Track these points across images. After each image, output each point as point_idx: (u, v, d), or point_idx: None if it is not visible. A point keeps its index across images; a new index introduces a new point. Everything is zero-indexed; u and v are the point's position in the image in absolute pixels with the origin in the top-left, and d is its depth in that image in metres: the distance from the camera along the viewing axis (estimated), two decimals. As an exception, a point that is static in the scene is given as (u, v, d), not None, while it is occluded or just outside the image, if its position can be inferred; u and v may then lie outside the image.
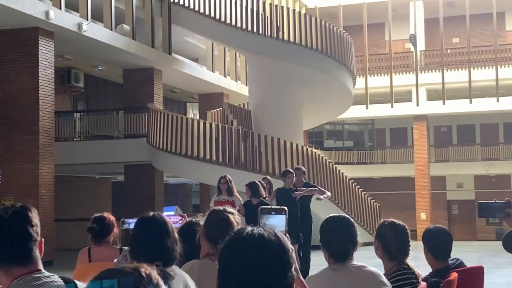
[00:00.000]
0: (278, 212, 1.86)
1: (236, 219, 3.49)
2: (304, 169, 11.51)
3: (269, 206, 1.94)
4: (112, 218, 5.25)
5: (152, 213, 3.38)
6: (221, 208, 3.60)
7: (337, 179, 18.74)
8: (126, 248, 4.50)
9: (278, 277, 1.56)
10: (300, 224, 10.12)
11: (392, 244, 3.65)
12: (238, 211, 9.05)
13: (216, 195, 10.41)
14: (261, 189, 9.74)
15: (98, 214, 5.30)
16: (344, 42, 19.93)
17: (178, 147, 17.44)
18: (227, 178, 10.28)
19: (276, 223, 1.84)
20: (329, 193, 11.25)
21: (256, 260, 1.54)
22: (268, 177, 11.04)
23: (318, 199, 11.16)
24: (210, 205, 9.93)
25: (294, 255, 1.64)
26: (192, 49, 24.35)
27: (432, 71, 29.25)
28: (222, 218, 3.43)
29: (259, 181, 10.01)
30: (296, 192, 10.30)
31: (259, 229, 1.61)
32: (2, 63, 15.37)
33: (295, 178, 10.49)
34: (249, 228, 1.62)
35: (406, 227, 3.78)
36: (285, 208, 1.90)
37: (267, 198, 9.86)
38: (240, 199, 10.23)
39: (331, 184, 18.20)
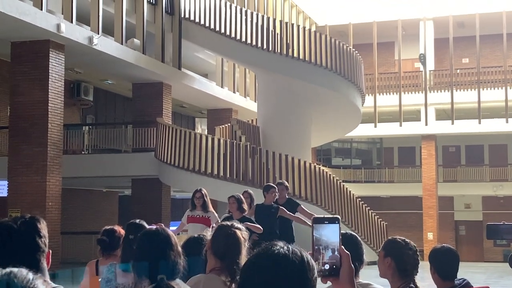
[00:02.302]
0: (331, 221, 1.84)
1: (243, 235, 3.47)
2: (287, 184, 10.63)
3: (322, 216, 1.90)
4: (122, 231, 5.23)
5: (155, 226, 3.37)
6: (228, 223, 3.58)
7: (345, 197, 18.68)
8: (114, 262, 4.48)
9: None
10: None
11: (406, 261, 3.60)
12: (213, 227, 8.85)
13: (190, 210, 9.47)
14: (245, 204, 8.99)
15: (109, 227, 5.27)
16: (353, 60, 19.95)
17: (186, 162, 17.45)
18: (203, 192, 9.44)
19: (330, 235, 1.82)
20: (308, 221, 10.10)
21: (279, 279, 1.53)
22: (249, 191, 10.17)
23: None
24: (182, 220, 9.32)
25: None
26: (202, 65, 24.45)
27: (441, 91, 29.24)
28: (229, 234, 3.42)
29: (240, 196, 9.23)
30: (283, 209, 9.42)
31: (284, 247, 1.60)
32: (13, 75, 15.47)
33: (277, 193, 9.63)
34: (275, 247, 1.61)
35: (414, 245, 3.75)
36: (338, 216, 1.87)
37: (246, 214, 9.05)
38: (216, 215, 9.48)
39: (338, 202, 18.14)
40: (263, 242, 1.68)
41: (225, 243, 3.39)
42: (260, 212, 9.41)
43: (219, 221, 8.79)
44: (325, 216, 1.85)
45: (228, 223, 3.64)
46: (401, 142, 32.94)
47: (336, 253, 1.80)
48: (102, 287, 4.40)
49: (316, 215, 1.87)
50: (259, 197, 10.07)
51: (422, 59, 29.36)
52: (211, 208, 9.45)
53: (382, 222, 20.49)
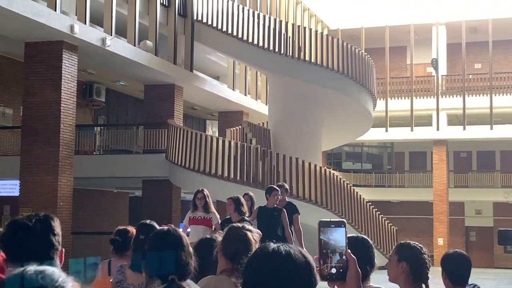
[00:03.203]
0: (338, 224, 1.84)
1: (255, 237, 3.48)
2: (287, 187, 10.44)
3: (328, 219, 1.89)
4: (135, 232, 5.23)
5: (166, 227, 3.39)
6: (239, 225, 3.60)
7: (355, 201, 18.64)
8: (124, 263, 4.50)
9: None
10: None
11: (421, 265, 3.59)
12: (215, 229, 8.55)
13: (191, 211, 9.35)
14: (244, 207, 8.73)
15: (122, 227, 5.28)
16: (365, 64, 19.93)
17: (197, 163, 17.48)
18: (205, 193, 9.28)
19: (337, 238, 1.83)
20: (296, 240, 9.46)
21: (281, 276, 1.54)
22: (250, 193, 9.93)
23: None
24: (184, 222, 9.15)
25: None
26: (214, 67, 24.49)
27: (453, 96, 29.14)
28: (240, 235, 3.43)
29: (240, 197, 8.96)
30: (285, 214, 9.20)
31: (284, 246, 1.61)
32: (27, 75, 15.55)
33: (280, 196, 9.41)
34: (275, 245, 1.62)
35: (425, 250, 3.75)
36: (344, 220, 1.87)
37: (247, 216, 8.76)
38: (218, 216, 9.32)
39: (348, 206, 18.10)
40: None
41: (236, 244, 3.41)
42: (262, 215, 9.22)
43: (219, 223, 8.85)
44: (332, 219, 1.85)
45: (239, 224, 3.66)
46: (412, 147, 32.84)
47: (343, 257, 1.80)
48: None
49: (321, 219, 1.87)
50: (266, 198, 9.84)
51: (434, 64, 29.27)
52: (212, 209, 9.30)
53: (392, 227, 20.42)
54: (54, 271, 1.38)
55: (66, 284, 1.36)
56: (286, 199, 9.86)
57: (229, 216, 8.78)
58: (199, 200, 9.19)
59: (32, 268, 1.38)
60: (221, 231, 3.72)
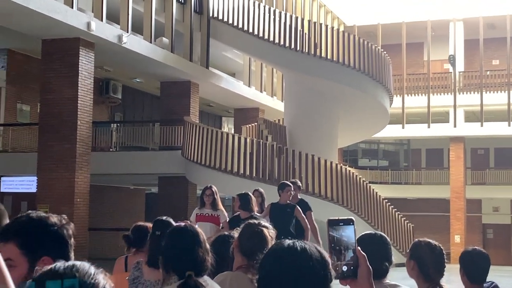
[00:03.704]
0: (346, 222, 1.84)
1: (271, 233, 3.48)
2: (300, 184, 10.25)
3: (337, 217, 1.88)
4: None
5: (183, 223, 3.40)
6: (256, 221, 3.60)
7: (371, 198, 18.58)
8: (141, 260, 4.51)
9: None
10: None
11: (429, 264, 3.59)
12: (222, 228, 8.39)
13: (198, 208, 9.17)
14: (253, 203, 8.44)
15: (139, 224, 5.29)
16: (382, 60, 19.84)
17: (213, 160, 17.50)
18: (213, 190, 9.04)
19: (348, 235, 1.82)
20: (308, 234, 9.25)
21: (297, 272, 1.54)
22: (260, 189, 9.70)
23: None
24: (191, 219, 8.78)
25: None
26: (230, 64, 24.50)
27: (470, 93, 28.94)
28: (257, 232, 3.43)
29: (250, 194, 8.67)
30: (299, 210, 9.01)
31: (300, 242, 1.61)
32: (44, 72, 15.66)
33: (293, 192, 9.19)
34: (290, 241, 1.62)
35: (441, 247, 3.72)
36: (352, 218, 1.86)
37: (256, 213, 8.44)
38: (226, 214, 9.11)
39: (365, 203, 18.05)
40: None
41: (252, 241, 3.41)
42: (275, 211, 8.98)
43: (227, 220, 8.69)
44: (340, 218, 1.84)
45: (256, 221, 3.66)
46: (429, 143, 32.67)
47: (353, 254, 1.80)
48: (129, 285, 4.44)
49: (330, 218, 1.86)
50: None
51: (452, 60, 29.08)
52: (220, 206, 9.10)
53: (408, 224, 20.35)
54: (84, 263, 1.39)
55: (99, 275, 1.37)
56: (298, 196, 9.68)
57: (237, 213, 8.57)
58: (207, 196, 9.01)
59: (61, 264, 1.39)
60: (237, 229, 3.71)
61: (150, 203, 25.27)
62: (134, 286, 4.41)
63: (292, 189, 9.19)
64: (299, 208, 9.19)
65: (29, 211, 2.20)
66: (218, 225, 8.80)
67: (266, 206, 9.29)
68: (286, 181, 9.94)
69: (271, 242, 3.42)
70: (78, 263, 1.40)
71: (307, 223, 9.28)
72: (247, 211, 8.24)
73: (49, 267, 1.41)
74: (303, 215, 9.21)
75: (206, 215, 8.91)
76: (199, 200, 9.22)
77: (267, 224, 3.60)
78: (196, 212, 9.10)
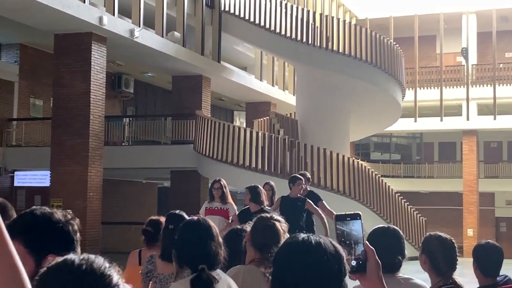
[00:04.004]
0: (353, 217, 1.83)
1: (283, 227, 3.49)
2: (309, 176, 10.10)
3: (344, 213, 1.88)
4: None
5: (196, 217, 3.41)
6: (268, 215, 3.60)
7: (383, 192, 18.55)
8: (154, 253, 4.53)
9: (332, 285, 1.55)
10: None
11: (439, 258, 3.58)
12: (232, 221, 8.31)
13: (208, 202, 9.08)
14: (263, 196, 8.36)
15: (154, 217, 5.28)
16: (394, 53, 19.75)
17: (224, 154, 17.52)
18: (222, 183, 8.95)
19: (356, 230, 1.82)
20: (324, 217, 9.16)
21: (311, 267, 1.54)
22: (271, 183, 9.58)
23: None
24: (200, 213, 8.64)
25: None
26: (241, 58, 24.48)
27: (483, 86, 28.76)
28: (269, 226, 3.44)
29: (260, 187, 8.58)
30: (310, 202, 8.90)
31: (315, 236, 1.61)
32: (56, 67, 15.72)
33: (304, 185, 9.05)
34: (304, 234, 1.62)
35: (453, 241, 3.71)
36: (359, 212, 1.86)
37: (267, 206, 8.39)
38: (235, 207, 9.05)
39: (377, 196, 18.02)
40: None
41: (264, 234, 3.41)
42: (285, 205, 8.87)
43: (237, 213, 8.60)
44: (347, 213, 1.84)
45: (268, 215, 3.67)
46: (442, 137, 32.52)
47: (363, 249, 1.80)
48: (142, 278, 4.46)
49: (336, 213, 1.86)
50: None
51: (464, 53, 28.90)
52: (230, 200, 9.01)
53: (421, 218, 20.30)
54: (97, 256, 1.39)
55: (112, 269, 1.37)
56: (308, 188, 9.53)
57: (247, 207, 8.45)
58: (216, 190, 8.92)
59: (73, 255, 1.39)
60: (249, 223, 3.72)
61: (162, 197, 25.35)
62: (147, 280, 4.43)
63: (303, 182, 9.07)
64: (310, 201, 9.11)
65: (34, 207, 2.16)
66: (227, 219, 8.73)
67: (276, 199, 9.21)
68: (297, 174, 9.82)
69: (284, 236, 3.43)
70: (92, 256, 1.40)
71: (321, 213, 9.19)
72: (257, 204, 8.18)
73: (60, 258, 1.39)
74: (315, 206, 9.13)
75: (215, 208, 8.85)
76: (208, 194, 9.13)
77: (279, 217, 3.61)
78: (205, 206, 9.04)
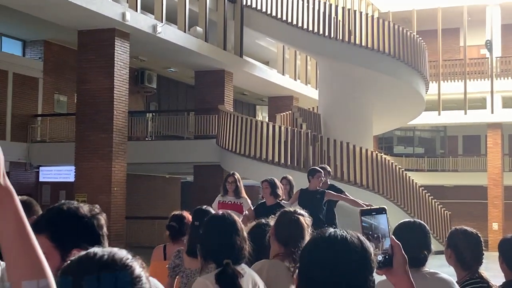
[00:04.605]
0: (379, 211, 1.83)
1: (307, 221, 3.49)
2: (330, 169, 9.88)
3: (368, 207, 1.88)
4: (190, 218, 5.22)
5: (221, 212, 3.42)
6: (291, 209, 3.60)
7: (407, 185, 18.44)
8: (182, 248, 4.55)
9: (359, 281, 1.55)
10: None
11: (465, 253, 3.56)
12: (246, 215, 8.07)
13: (221, 195, 8.86)
14: (280, 190, 8.21)
15: (178, 212, 5.27)
16: (417, 47, 19.60)
17: (247, 149, 17.53)
18: (236, 177, 8.79)
19: (383, 224, 1.82)
20: (359, 201, 9.00)
21: (338, 262, 1.54)
22: (289, 177, 9.40)
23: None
24: (213, 206, 8.23)
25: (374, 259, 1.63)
26: (263, 52, 24.46)
27: (508, 78, 28.43)
28: (293, 220, 3.44)
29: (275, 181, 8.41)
30: (330, 192, 8.78)
31: (341, 231, 1.60)
32: (80, 63, 15.84)
33: (323, 177, 8.84)
34: (331, 229, 1.62)
35: (479, 235, 3.68)
36: (385, 207, 1.85)
37: (283, 200, 8.28)
38: (249, 202, 8.78)
39: (401, 190, 17.92)
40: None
41: (288, 229, 3.42)
42: (304, 198, 8.60)
43: (252, 208, 8.44)
44: (372, 207, 1.83)
45: (291, 209, 3.67)
46: (466, 130, 32.23)
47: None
48: (169, 272, 4.49)
49: (361, 206, 1.85)
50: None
51: (489, 45, 28.58)
52: (243, 194, 8.76)
53: (445, 212, 20.15)
54: (120, 249, 1.40)
55: (134, 262, 1.38)
56: (328, 182, 9.35)
57: (263, 201, 8.33)
58: (229, 184, 8.71)
59: (96, 248, 1.40)
60: (273, 217, 3.72)
61: (185, 191, 25.45)
62: (174, 274, 4.46)
63: (323, 174, 8.88)
64: (329, 191, 8.94)
65: (62, 201, 2.19)
66: (241, 213, 8.44)
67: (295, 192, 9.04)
68: (316, 167, 9.68)
69: (308, 230, 3.43)
70: (115, 249, 1.41)
71: (345, 196, 9.08)
72: (275, 198, 8.05)
73: (83, 252, 1.40)
74: (337, 194, 8.96)
75: (228, 202, 8.63)
76: (221, 188, 8.88)
77: (302, 211, 3.61)
78: (218, 200, 8.83)
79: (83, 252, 1.40)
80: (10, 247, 1.21)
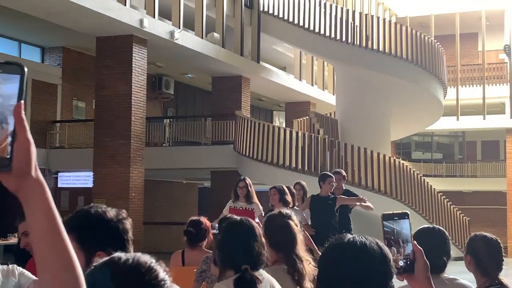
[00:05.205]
0: (401, 216, 1.82)
1: (296, 223, 3.49)
2: (345, 174, 9.69)
3: (391, 212, 1.87)
4: (208, 223, 5.22)
5: (239, 217, 3.42)
6: (275, 212, 3.60)
7: (426, 191, 18.33)
8: (210, 252, 4.57)
9: (379, 287, 1.54)
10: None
11: (485, 259, 3.53)
12: (257, 222, 8.36)
13: (232, 201, 8.69)
14: (289, 196, 8.07)
15: (195, 218, 5.28)
16: (435, 51, 19.52)
17: (264, 154, 17.53)
18: (247, 182, 8.60)
19: (405, 229, 1.81)
20: (370, 205, 8.90)
21: (358, 269, 1.53)
22: (302, 182, 9.25)
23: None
24: (224, 212, 8.32)
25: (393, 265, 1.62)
26: (280, 58, 24.47)
27: (527, 83, 28.19)
28: (283, 225, 3.44)
29: (288, 187, 8.30)
30: (341, 196, 8.65)
31: (360, 237, 1.60)
32: (98, 69, 15.94)
33: (335, 183, 8.69)
34: (350, 236, 1.61)
35: (499, 241, 3.65)
36: (407, 212, 1.84)
37: (296, 207, 8.12)
38: (261, 207, 8.57)
39: (419, 196, 17.82)
40: (320, 236, 1.68)
41: (280, 235, 3.43)
42: (315, 204, 8.51)
43: (263, 214, 8.20)
44: (395, 212, 1.82)
45: (275, 212, 3.67)
46: (485, 135, 32.00)
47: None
48: (196, 277, 4.52)
49: (383, 212, 1.84)
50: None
51: (507, 50, 28.36)
52: (255, 200, 8.56)
53: (464, 217, 20.01)
54: (144, 254, 1.42)
55: (158, 266, 1.39)
56: (343, 187, 9.23)
57: (272, 207, 8.04)
58: (240, 189, 8.53)
59: (120, 253, 1.41)
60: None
61: (203, 197, 25.49)
62: (201, 279, 4.49)
63: (334, 180, 8.71)
64: (341, 195, 8.80)
65: (92, 205, 2.24)
66: (253, 219, 8.47)
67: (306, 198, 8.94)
68: (327, 172, 9.57)
69: (299, 233, 3.43)
70: (139, 254, 1.42)
71: (356, 198, 8.95)
72: (284, 204, 7.85)
73: (107, 257, 1.42)
74: (349, 198, 8.85)
75: (239, 208, 8.44)
76: (232, 193, 8.68)
77: (289, 212, 3.60)
78: (229, 205, 8.66)
79: (107, 258, 1.41)
80: (41, 241, 1.20)
